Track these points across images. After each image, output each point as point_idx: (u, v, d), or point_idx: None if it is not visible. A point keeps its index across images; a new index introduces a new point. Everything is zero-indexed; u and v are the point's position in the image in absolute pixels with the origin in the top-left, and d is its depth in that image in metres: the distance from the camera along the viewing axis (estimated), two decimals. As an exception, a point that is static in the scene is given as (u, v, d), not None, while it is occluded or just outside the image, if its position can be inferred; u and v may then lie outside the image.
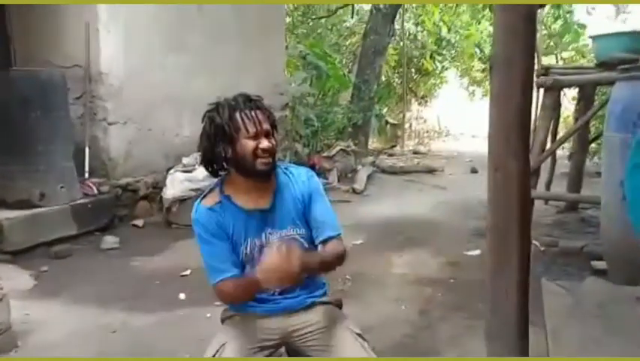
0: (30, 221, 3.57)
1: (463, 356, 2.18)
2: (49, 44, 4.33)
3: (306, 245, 1.59)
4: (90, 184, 4.11)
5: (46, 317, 2.63)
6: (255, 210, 1.56)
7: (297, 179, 1.63)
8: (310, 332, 1.58)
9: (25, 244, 3.49)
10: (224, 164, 1.54)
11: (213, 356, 1.49)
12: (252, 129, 1.48)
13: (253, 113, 1.50)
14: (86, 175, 4.19)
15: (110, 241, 3.83)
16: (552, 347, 1.15)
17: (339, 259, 1.56)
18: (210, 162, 1.54)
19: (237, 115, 1.48)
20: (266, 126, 1.51)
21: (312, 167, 6.45)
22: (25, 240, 3.51)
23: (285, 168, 1.67)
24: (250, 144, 1.48)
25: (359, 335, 1.57)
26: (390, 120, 11.07)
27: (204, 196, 1.58)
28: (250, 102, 1.53)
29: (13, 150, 3.66)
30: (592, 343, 1.14)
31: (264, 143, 1.49)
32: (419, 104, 13.40)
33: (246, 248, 1.55)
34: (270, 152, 1.52)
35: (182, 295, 2.94)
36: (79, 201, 3.91)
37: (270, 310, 1.60)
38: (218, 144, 1.49)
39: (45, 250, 3.58)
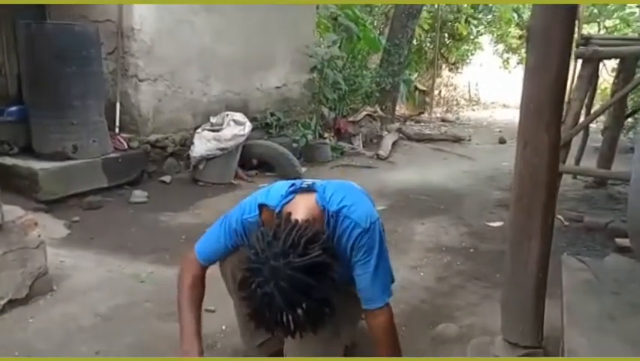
0: (63, 173, 3.70)
1: (476, 323, 2.22)
2: (83, -2, 4.35)
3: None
4: (121, 139, 4.21)
5: (79, 264, 2.77)
6: None
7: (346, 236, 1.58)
8: None
9: (58, 194, 3.63)
10: None
11: None
12: None
13: None
14: (117, 130, 4.29)
15: (138, 195, 3.96)
16: (567, 320, 1.17)
17: (392, 340, 1.65)
18: None
19: None
20: None
21: (338, 131, 6.43)
22: (59, 190, 3.65)
23: (341, 218, 1.58)
24: None
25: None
26: (420, 86, 10.85)
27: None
28: None
29: (49, 104, 3.76)
30: (607, 319, 1.15)
31: None
32: (450, 70, 13.04)
33: None
34: None
35: (207, 251, 3.04)
36: (110, 156, 4.02)
37: None
38: None
39: (77, 201, 3.72)
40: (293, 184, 1.67)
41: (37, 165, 3.64)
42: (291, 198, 1.61)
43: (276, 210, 1.59)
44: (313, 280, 1.33)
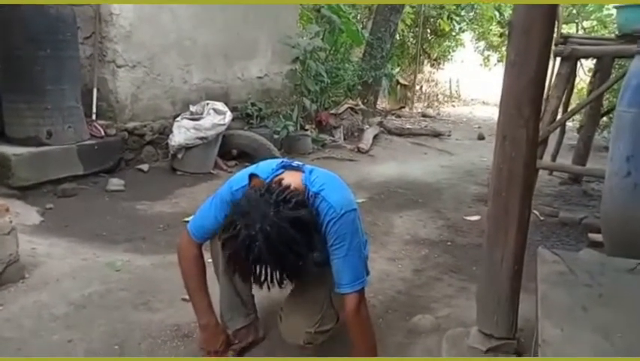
0: (37, 159, 3.60)
1: (452, 315, 2.25)
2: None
3: None
4: (97, 126, 4.11)
5: (52, 251, 2.70)
6: None
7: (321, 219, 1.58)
8: None
9: (32, 181, 3.54)
10: None
11: None
12: None
13: None
14: (94, 117, 4.19)
15: (115, 183, 3.89)
16: (541, 311, 1.19)
17: (360, 326, 1.67)
18: None
19: None
20: None
21: (319, 123, 6.42)
22: (32, 177, 3.55)
23: (319, 200, 1.59)
24: None
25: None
26: (401, 81, 10.89)
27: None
28: None
29: (22, 87, 3.63)
30: (579, 310, 1.18)
31: None
32: (432, 66, 13.13)
33: None
34: None
35: (184, 240, 3.00)
36: (86, 142, 3.93)
37: None
38: None
39: (51, 188, 3.63)
40: (283, 161, 1.73)
41: (9, 150, 3.53)
42: (281, 172, 1.67)
43: (266, 181, 1.63)
44: (297, 233, 1.39)
